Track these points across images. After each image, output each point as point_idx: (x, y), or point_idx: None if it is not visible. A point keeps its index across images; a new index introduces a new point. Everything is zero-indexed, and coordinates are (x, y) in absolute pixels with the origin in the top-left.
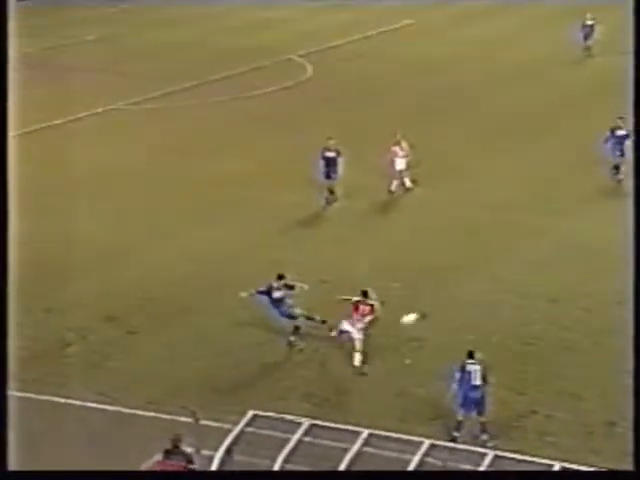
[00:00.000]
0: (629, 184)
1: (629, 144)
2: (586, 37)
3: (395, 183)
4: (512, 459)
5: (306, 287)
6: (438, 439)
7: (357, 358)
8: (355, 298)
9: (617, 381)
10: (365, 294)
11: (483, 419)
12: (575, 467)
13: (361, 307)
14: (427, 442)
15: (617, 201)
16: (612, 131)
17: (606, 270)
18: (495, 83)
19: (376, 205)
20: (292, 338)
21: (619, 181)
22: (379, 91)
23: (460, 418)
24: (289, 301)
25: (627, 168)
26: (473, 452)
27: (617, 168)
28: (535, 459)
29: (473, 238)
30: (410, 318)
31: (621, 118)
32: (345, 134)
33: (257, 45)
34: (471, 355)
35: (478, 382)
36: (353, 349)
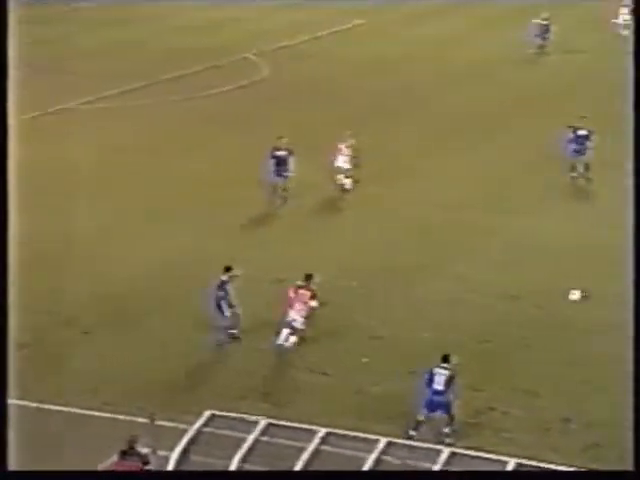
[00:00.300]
0: (593, 184)
1: (590, 144)
2: (540, 36)
3: (339, 179)
4: (468, 456)
5: (239, 272)
6: (396, 437)
7: (291, 339)
8: (299, 282)
9: (572, 377)
10: (309, 278)
11: (448, 417)
12: (533, 463)
13: (300, 292)
14: (384, 440)
15: (573, 200)
16: (574, 131)
17: (561, 268)
18: (447, 82)
19: (328, 204)
20: (234, 331)
21: (574, 179)
22: (332, 91)
23: (421, 418)
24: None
25: (592, 168)
26: (430, 450)
27: (575, 168)
28: (491, 456)
29: (427, 237)
30: (575, 295)
31: (583, 117)
32: (298, 133)
33: (212, 44)
34: (445, 359)
35: (440, 387)
36: (291, 330)
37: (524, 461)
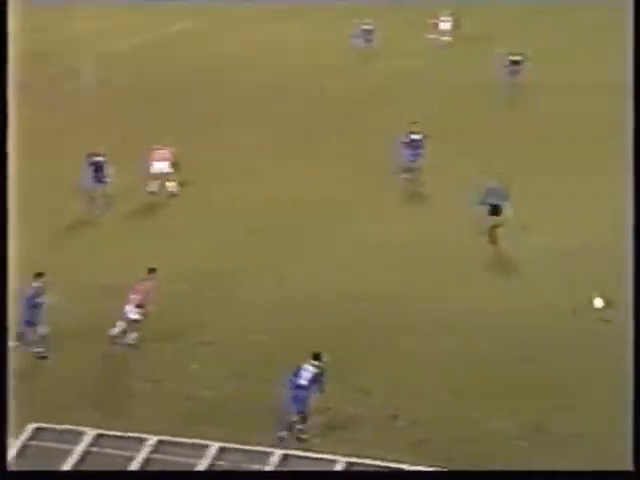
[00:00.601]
0: (423, 188)
1: (423, 149)
2: (365, 41)
3: (153, 184)
4: (300, 457)
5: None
6: (228, 441)
7: (131, 336)
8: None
9: (404, 376)
10: (152, 271)
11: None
12: (362, 461)
13: (138, 286)
14: (216, 445)
15: (407, 201)
16: (407, 135)
17: (397, 268)
18: (279, 87)
19: (152, 208)
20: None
21: (408, 181)
22: (159, 96)
23: (293, 418)
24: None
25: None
26: (262, 452)
27: (409, 171)
28: (321, 455)
29: (257, 239)
30: (599, 302)
31: (414, 123)
32: (123, 138)
33: (35, 49)
34: (316, 357)
35: (304, 382)
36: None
37: (354, 459)
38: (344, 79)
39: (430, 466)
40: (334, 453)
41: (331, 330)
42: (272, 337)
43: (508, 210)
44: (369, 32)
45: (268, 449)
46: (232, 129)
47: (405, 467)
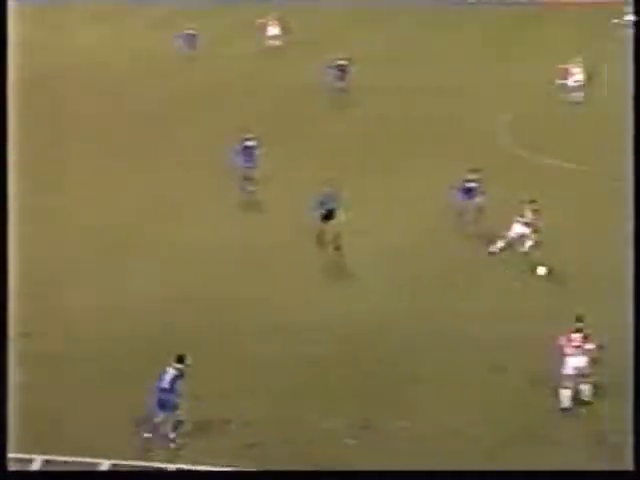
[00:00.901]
0: (258, 192)
1: (258, 155)
2: (189, 47)
3: None
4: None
5: None
6: None
7: None
8: None
9: (235, 379)
10: None
11: (172, 419)
12: (189, 467)
13: None
14: None
15: (244, 207)
16: (241, 141)
17: (229, 272)
18: (101, 93)
19: None
20: None
21: (250, 192)
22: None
23: (158, 420)
24: None
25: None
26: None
27: (245, 176)
28: (84, 459)
29: (83, 245)
30: (542, 270)
31: (248, 130)
32: None
33: None
34: (179, 359)
35: (166, 385)
36: None
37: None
38: (169, 85)
39: (262, 468)
40: (169, 461)
41: (157, 334)
42: (90, 345)
43: (341, 214)
44: (193, 37)
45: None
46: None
47: (170, 467)
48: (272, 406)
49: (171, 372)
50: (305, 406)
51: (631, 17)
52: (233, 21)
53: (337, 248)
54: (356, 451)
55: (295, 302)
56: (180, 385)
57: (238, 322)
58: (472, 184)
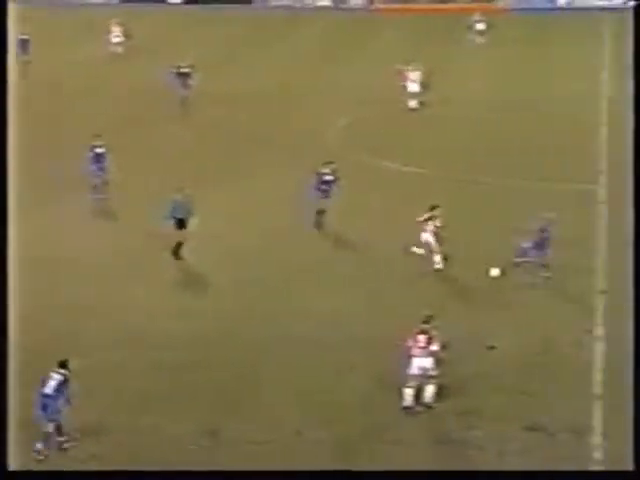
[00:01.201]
0: (110, 201)
1: (106, 165)
2: (22, 52)
3: None
4: None
5: None
6: None
7: None
8: None
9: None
10: None
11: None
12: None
13: None
14: None
15: (96, 216)
16: (91, 149)
17: (82, 281)
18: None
19: None
20: None
21: (94, 195)
22: None
23: (48, 430)
24: None
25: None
26: None
27: (95, 187)
28: None
29: None
30: (495, 272)
31: (98, 135)
32: None
33: None
34: (62, 365)
35: (50, 391)
36: None
37: None
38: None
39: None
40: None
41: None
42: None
43: (193, 223)
44: (25, 42)
45: None
46: None
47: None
48: (121, 412)
49: (56, 377)
50: (152, 411)
51: (482, 26)
52: (73, 25)
53: (178, 257)
54: (201, 456)
55: (143, 308)
56: (66, 390)
57: (85, 329)
58: (328, 177)
